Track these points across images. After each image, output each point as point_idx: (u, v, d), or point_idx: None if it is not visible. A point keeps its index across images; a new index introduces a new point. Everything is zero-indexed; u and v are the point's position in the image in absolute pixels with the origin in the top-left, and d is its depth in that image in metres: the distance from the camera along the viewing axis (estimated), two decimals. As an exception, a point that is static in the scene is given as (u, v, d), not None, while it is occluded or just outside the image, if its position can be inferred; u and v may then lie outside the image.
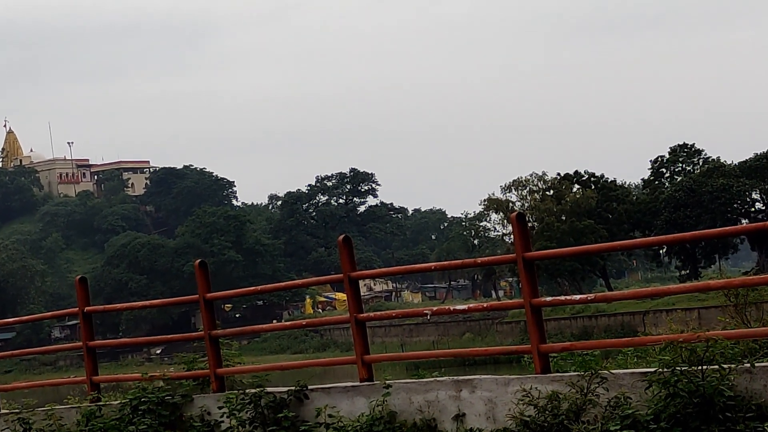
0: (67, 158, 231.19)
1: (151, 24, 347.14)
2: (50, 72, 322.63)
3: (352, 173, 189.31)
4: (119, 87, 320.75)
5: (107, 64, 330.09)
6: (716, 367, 12.08)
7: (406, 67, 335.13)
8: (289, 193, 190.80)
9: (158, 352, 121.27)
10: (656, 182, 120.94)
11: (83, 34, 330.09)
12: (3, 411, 20.08)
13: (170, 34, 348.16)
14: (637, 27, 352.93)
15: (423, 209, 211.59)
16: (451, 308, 19.90)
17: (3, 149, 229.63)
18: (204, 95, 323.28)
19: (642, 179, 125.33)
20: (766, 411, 12.10)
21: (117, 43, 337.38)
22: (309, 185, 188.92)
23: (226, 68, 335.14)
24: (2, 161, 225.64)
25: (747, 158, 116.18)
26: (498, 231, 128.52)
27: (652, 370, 12.62)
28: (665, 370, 12.20)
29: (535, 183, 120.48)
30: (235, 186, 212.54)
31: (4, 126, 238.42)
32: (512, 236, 15.01)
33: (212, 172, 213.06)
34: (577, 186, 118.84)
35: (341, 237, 16.33)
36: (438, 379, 15.22)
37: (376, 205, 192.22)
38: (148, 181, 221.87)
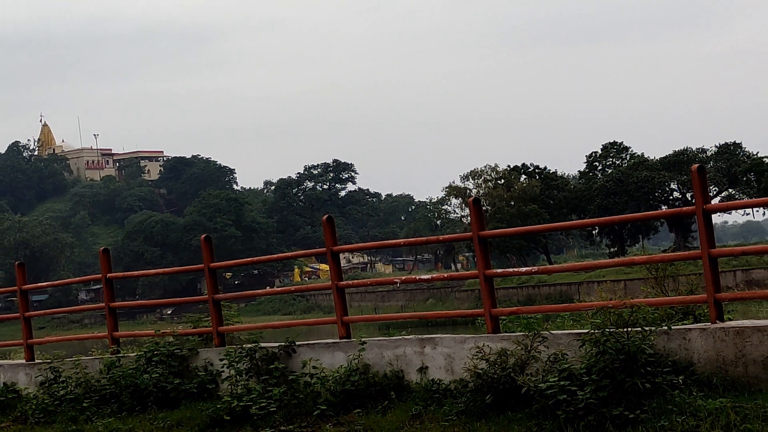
0: (93, 148, 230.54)
1: (163, 30, 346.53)
2: (78, 72, 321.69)
3: (334, 163, 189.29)
4: (137, 86, 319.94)
5: (127, 66, 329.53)
6: (639, 329, 12.13)
7: (383, 71, 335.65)
8: (281, 179, 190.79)
9: (169, 312, 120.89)
10: (590, 174, 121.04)
11: (106, 39, 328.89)
12: (37, 361, 20.04)
13: (180, 39, 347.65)
14: (578, 40, 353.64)
15: (394, 194, 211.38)
16: (417, 278, 19.92)
17: (39, 140, 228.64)
18: (209, 93, 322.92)
19: (578, 171, 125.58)
20: (681, 366, 12.16)
21: (135, 47, 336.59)
22: (298, 173, 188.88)
23: (229, 70, 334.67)
24: (38, 150, 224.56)
25: (667, 154, 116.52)
26: (457, 213, 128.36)
27: (586, 331, 12.66)
28: (596, 331, 12.24)
29: (489, 173, 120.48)
30: (235, 173, 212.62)
31: (40, 120, 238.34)
32: (469, 218, 15.01)
33: (216, 161, 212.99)
34: (524, 176, 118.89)
35: (325, 217, 16.35)
36: (405, 337, 15.25)
37: (355, 190, 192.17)
38: (161, 168, 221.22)
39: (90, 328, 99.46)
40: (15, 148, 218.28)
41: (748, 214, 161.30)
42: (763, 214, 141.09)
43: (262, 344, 16.22)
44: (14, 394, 19.52)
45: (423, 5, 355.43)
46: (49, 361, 19.19)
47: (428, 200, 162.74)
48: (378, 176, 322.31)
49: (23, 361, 20.61)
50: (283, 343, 16.10)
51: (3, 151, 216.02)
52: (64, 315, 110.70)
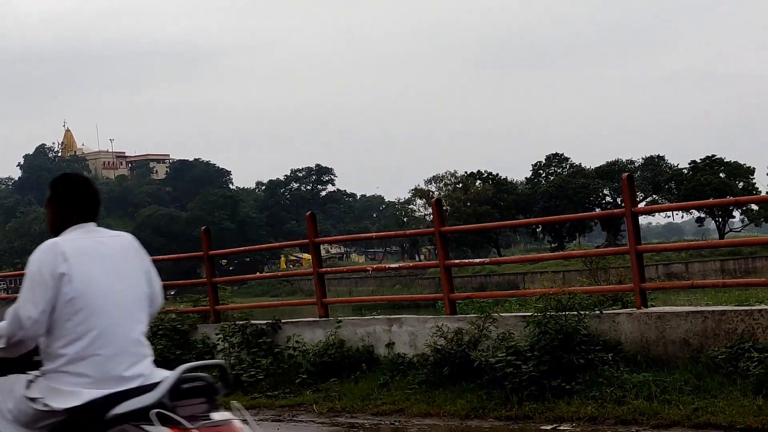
0: (108, 151, 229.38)
1: (169, 51, 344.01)
2: (96, 86, 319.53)
3: (317, 167, 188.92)
4: (146, 98, 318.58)
5: (138, 81, 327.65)
6: (575, 313, 12.15)
7: (359, 89, 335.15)
8: (270, 180, 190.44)
9: (172, 293, 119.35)
10: (535, 180, 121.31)
11: (120, 58, 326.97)
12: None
13: (183, 58, 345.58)
14: (526, 66, 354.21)
15: (368, 195, 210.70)
16: (387, 266, 20.01)
17: (62, 143, 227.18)
18: (209, 105, 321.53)
19: (525, 177, 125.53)
20: (610, 345, 12.19)
21: (144, 65, 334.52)
22: (285, 175, 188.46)
23: (226, 85, 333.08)
24: (61, 152, 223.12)
25: (601, 164, 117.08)
26: (421, 212, 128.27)
27: (530, 314, 12.68)
28: (539, 314, 12.26)
29: (449, 178, 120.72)
30: (231, 174, 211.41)
31: (63, 126, 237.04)
32: (432, 216, 15.03)
33: (215, 163, 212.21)
34: (479, 181, 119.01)
35: (308, 213, 16.34)
36: (375, 317, 15.24)
37: (334, 191, 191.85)
38: (168, 169, 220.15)
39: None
40: (41, 149, 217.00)
41: (669, 217, 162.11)
42: (682, 216, 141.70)
43: (253, 321, 16.19)
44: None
45: (394, 34, 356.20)
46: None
47: (396, 200, 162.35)
48: (354, 179, 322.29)
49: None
50: (270, 321, 16.07)
51: (31, 152, 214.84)
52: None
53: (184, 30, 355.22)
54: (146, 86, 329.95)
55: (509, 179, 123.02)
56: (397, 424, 11.79)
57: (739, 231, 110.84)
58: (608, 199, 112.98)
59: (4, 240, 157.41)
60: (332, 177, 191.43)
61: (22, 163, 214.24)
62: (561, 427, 10.57)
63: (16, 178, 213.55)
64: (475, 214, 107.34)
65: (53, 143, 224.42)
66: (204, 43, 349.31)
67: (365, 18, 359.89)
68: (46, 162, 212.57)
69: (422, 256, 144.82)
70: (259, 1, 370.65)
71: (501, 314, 13.44)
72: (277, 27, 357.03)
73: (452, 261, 14.60)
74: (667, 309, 12.37)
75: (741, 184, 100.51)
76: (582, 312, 12.20)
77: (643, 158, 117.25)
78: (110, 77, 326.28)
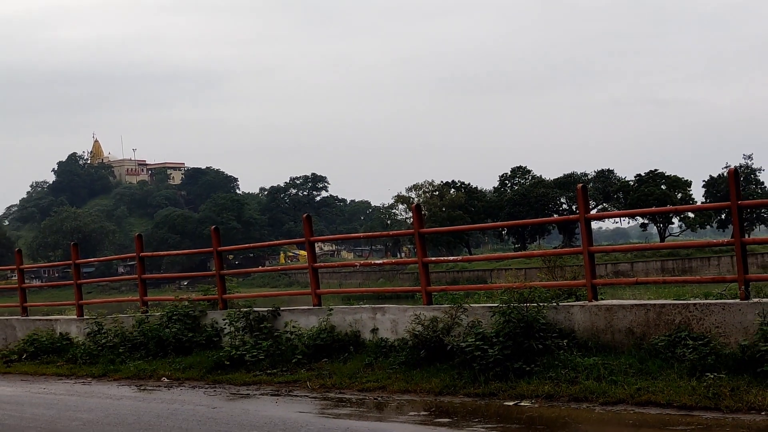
0: (132, 159, 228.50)
1: (184, 72, 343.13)
2: (122, 102, 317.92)
3: (312, 175, 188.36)
4: (166, 113, 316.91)
5: (159, 99, 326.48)
6: (535, 304, 12.17)
7: (349, 107, 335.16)
8: (272, 186, 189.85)
9: (185, 283, 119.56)
10: (502, 189, 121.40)
11: (144, 78, 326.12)
12: (85, 317, 19.86)
13: (198, 80, 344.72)
14: (493, 91, 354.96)
15: (357, 200, 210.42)
16: (372, 262, 19.93)
17: (91, 152, 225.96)
18: (220, 120, 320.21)
19: (493, 187, 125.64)
20: (565, 332, 12.21)
21: (164, 85, 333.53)
22: (285, 182, 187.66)
23: (234, 104, 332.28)
24: (90, 160, 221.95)
25: (558, 176, 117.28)
26: (403, 216, 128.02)
27: (496, 305, 12.69)
28: (504, 305, 12.26)
29: (427, 187, 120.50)
30: (238, 180, 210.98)
31: (93, 137, 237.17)
32: (412, 219, 15.01)
33: (224, 171, 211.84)
34: (453, 189, 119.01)
35: (304, 215, 16.32)
36: (362, 306, 15.23)
37: (327, 196, 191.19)
38: (183, 176, 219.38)
39: (126, 294, 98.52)
40: (73, 158, 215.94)
41: (617, 223, 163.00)
42: (628, 222, 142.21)
43: (255, 309, 16.16)
44: (67, 341, 19.37)
45: (379, 62, 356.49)
46: (94, 317, 19.05)
47: (381, 205, 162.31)
48: (345, 186, 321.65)
49: (75, 316, 20.44)
50: (270, 308, 16.05)
51: (64, 160, 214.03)
52: (106, 283, 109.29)
53: (199, 56, 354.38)
54: (166, 104, 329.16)
55: (479, 188, 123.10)
56: (379, 398, 11.78)
57: (678, 235, 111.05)
58: (565, 206, 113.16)
59: (40, 236, 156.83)
60: (326, 184, 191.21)
61: (56, 168, 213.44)
62: (522, 403, 10.57)
63: (51, 182, 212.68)
64: (449, 217, 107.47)
65: (83, 152, 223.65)
66: (216, 68, 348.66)
67: (355, 48, 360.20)
68: (77, 168, 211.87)
69: (403, 254, 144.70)
70: (263, 33, 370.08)
71: (471, 305, 13.45)
72: (278, 55, 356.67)
73: (429, 258, 14.59)
74: (614, 302, 12.39)
75: (680, 194, 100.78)
76: (541, 304, 12.21)
77: (595, 171, 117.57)
78: (135, 96, 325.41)
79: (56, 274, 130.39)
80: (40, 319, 21.20)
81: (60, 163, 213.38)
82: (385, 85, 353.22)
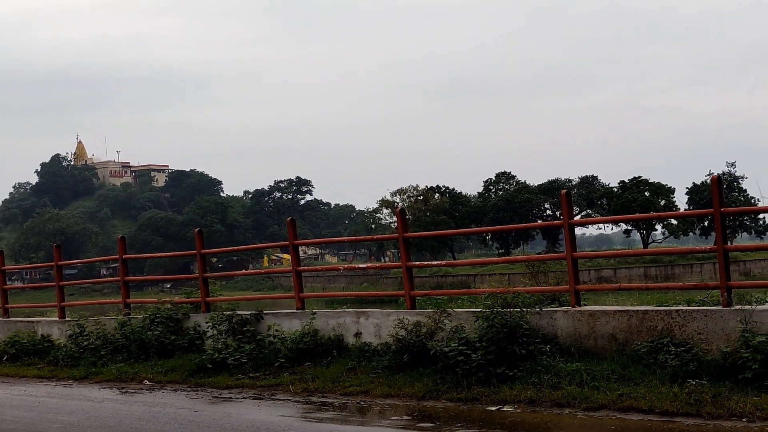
0: (115, 161, 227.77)
1: (171, 76, 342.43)
2: (106, 104, 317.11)
3: (297, 179, 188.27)
4: (150, 115, 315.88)
5: (143, 101, 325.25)
6: (518, 309, 12.18)
7: (334, 112, 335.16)
8: (256, 189, 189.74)
9: (168, 286, 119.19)
10: (486, 194, 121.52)
11: (128, 80, 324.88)
12: (67, 319, 19.77)
13: (184, 82, 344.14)
14: (478, 96, 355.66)
15: (341, 204, 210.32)
16: (356, 266, 19.94)
17: (75, 153, 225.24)
18: (205, 123, 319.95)
19: (478, 192, 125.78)
20: (548, 338, 12.23)
21: (149, 88, 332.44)
22: (269, 185, 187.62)
23: (220, 107, 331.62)
24: (74, 161, 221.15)
25: (543, 182, 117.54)
26: (387, 220, 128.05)
27: (479, 310, 12.69)
28: (487, 310, 12.28)
29: (412, 191, 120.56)
30: (222, 183, 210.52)
31: (76, 138, 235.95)
32: (396, 223, 15.02)
33: (208, 174, 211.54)
34: (437, 194, 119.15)
35: (288, 219, 16.30)
36: (345, 310, 15.22)
37: (312, 200, 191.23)
38: (167, 178, 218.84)
39: (108, 296, 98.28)
40: (56, 159, 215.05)
41: (600, 229, 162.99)
42: (612, 228, 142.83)
43: (238, 312, 16.13)
44: (49, 343, 19.28)
45: (366, 66, 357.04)
46: (76, 319, 18.96)
47: (366, 210, 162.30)
48: (329, 190, 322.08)
49: (57, 318, 20.34)
50: (253, 312, 16.02)
51: (47, 161, 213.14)
52: (89, 285, 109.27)
53: (185, 58, 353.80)
54: (150, 106, 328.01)
55: (464, 193, 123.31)
56: (362, 403, 11.77)
57: (661, 242, 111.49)
58: (548, 212, 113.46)
59: (22, 237, 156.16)
60: (310, 188, 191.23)
61: (39, 170, 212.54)
62: (504, 408, 10.58)
63: (34, 183, 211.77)
64: (433, 222, 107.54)
65: (67, 153, 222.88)
66: (202, 70, 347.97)
67: (342, 52, 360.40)
68: (60, 169, 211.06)
69: (387, 258, 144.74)
70: (251, 36, 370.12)
71: (454, 310, 13.45)
72: (265, 58, 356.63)
73: (413, 263, 14.59)
74: (597, 308, 12.42)
75: (663, 201, 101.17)
76: (524, 309, 12.24)
77: (579, 177, 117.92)
78: (119, 98, 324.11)
79: (38, 276, 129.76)
80: (21, 321, 21.09)
81: (43, 165, 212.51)
82: (371, 89, 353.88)
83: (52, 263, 20.56)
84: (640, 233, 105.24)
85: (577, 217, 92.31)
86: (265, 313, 15.97)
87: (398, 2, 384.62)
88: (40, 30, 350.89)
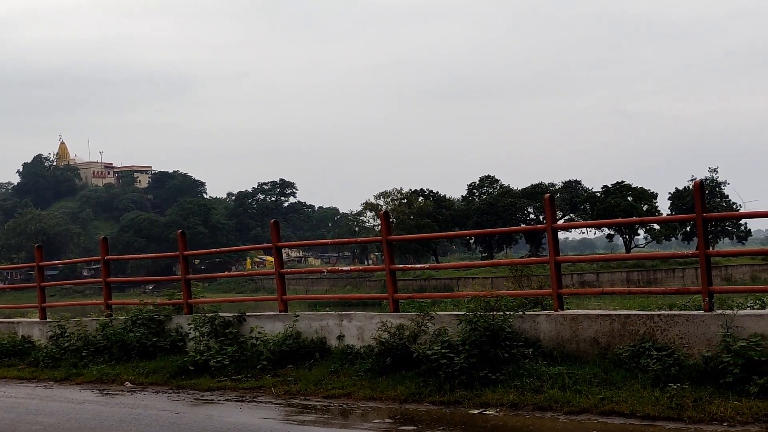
0: (98, 162, 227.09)
1: (155, 77, 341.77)
2: (90, 105, 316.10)
3: (280, 181, 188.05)
4: (134, 117, 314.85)
5: (126, 102, 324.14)
6: (501, 313, 12.21)
7: (319, 114, 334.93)
8: (240, 191, 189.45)
9: (150, 287, 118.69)
10: (470, 198, 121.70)
11: (112, 82, 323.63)
12: (48, 320, 19.68)
13: (167, 83, 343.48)
14: (463, 99, 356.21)
15: (325, 206, 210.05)
16: (340, 269, 19.88)
17: (57, 154, 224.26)
18: (189, 124, 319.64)
19: (461, 195, 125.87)
20: (531, 341, 12.26)
21: (133, 89, 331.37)
22: (253, 187, 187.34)
23: (204, 109, 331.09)
24: (56, 161, 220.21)
25: (526, 186, 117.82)
26: (371, 223, 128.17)
27: (462, 313, 12.71)
28: (470, 313, 12.29)
29: (396, 194, 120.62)
30: (205, 185, 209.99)
31: (59, 139, 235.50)
32: (380, 226, 15.01)
33: (191, 175, 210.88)
34: (421, 197, 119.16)
35: (272, 221, 16.28)
36: (328, 312, 15.20)
37: (295, 202, 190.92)
38: (150, 179, 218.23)
39: (90, 297, 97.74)
40: (38, 159, 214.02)
41: (583, 233, 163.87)
42: (595, 233, 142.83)
43: (221, 314, 16.10)
44: (29, 344, 19.18)
45: (351, 69, 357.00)
46: (57, 320, 18.88)
47: (350, 212, 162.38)
48: (313, 192, 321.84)
49: (37, 319, 20.25)
50: (236, 314, 15.99)
51: (29, 161, 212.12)
52: (70, 286, 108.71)
53: (170, 59, 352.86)
54: (133, 107, 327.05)
55: (447, 197, 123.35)
56: (344, 405, 11.76)
57: (643, 247, 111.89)
58: (532, 216, 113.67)
59: (3, 237, 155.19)
60: (294, 190, 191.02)
61: (20, 170, 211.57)
62: (487, 412, 10.59)
63: (15, 184, 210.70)
64: (417, 225, 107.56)
65: (49, 154, 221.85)
66: (187, 71, 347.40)
67: (326, 54, 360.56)
68: (42, 170, 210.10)
69: (371, 261, 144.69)
70: (237, 37, 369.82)
71: (437, 313, 13.47)
72: (250, 60, 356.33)
73: (396, 266, 14.60)
74: (580, 312, 12.45)
75: (645, 206, 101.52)
76: (507, 312, 12.26)
77: (562, 182, 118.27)
78: (103, 98, 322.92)
79: (19, 277, 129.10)
80: (2, 322, 20.98)
81: (25, 165, 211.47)
82: (355, 92, 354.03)
83: (34, 264, 20.48)
84: (623, 238, 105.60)
85: (561, 222, 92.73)
86: (248, 315, 15.94)
87: (381, 5, 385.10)
88: (23, 31, 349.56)
